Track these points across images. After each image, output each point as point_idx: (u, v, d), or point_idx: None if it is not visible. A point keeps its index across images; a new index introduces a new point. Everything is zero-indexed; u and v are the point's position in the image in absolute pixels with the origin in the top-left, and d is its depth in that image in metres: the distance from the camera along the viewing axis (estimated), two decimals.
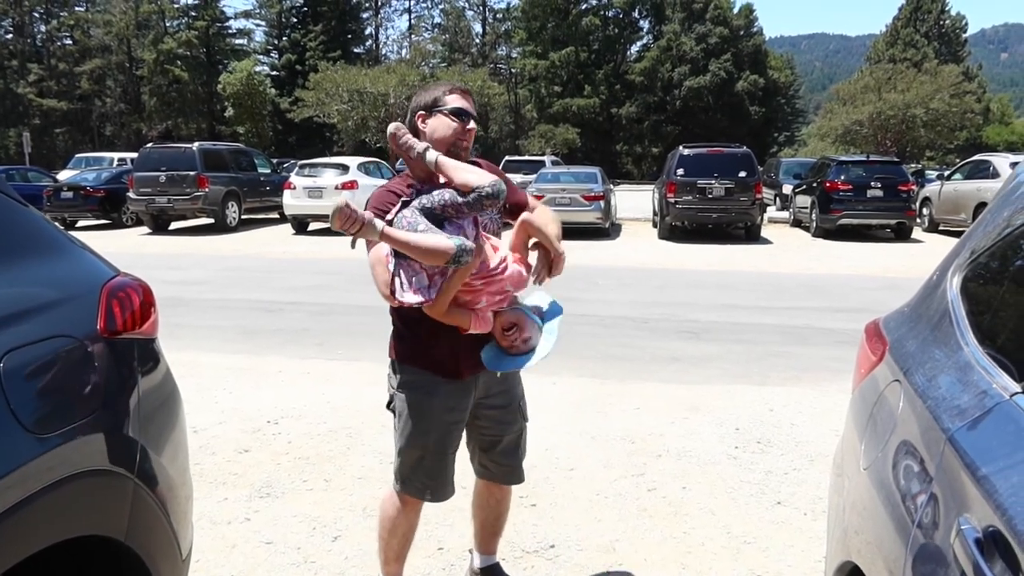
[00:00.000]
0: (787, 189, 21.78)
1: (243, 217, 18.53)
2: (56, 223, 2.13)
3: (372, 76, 34.12)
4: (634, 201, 23.43)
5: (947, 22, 59.93)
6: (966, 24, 61.28)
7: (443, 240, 2.09)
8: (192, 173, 16.92)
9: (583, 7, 56.29)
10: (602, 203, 16.26)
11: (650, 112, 55.06)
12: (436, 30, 61.68)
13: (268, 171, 20.42)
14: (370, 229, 2.10)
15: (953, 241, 1.99)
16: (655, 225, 17.77)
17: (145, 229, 17.96)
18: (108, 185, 18.78)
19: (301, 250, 14.54)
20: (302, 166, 18.27)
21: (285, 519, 3.46)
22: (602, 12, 56.94)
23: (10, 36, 55.74)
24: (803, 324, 7.92)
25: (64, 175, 23.43)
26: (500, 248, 2.33)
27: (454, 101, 2.39)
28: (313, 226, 18.00)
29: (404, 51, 55.48)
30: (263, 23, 60.82)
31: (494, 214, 2.46)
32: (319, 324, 7.83)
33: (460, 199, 2.17)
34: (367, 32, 62.16)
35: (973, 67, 60.16)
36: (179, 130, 53.24)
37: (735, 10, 57.04)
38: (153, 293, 2.16)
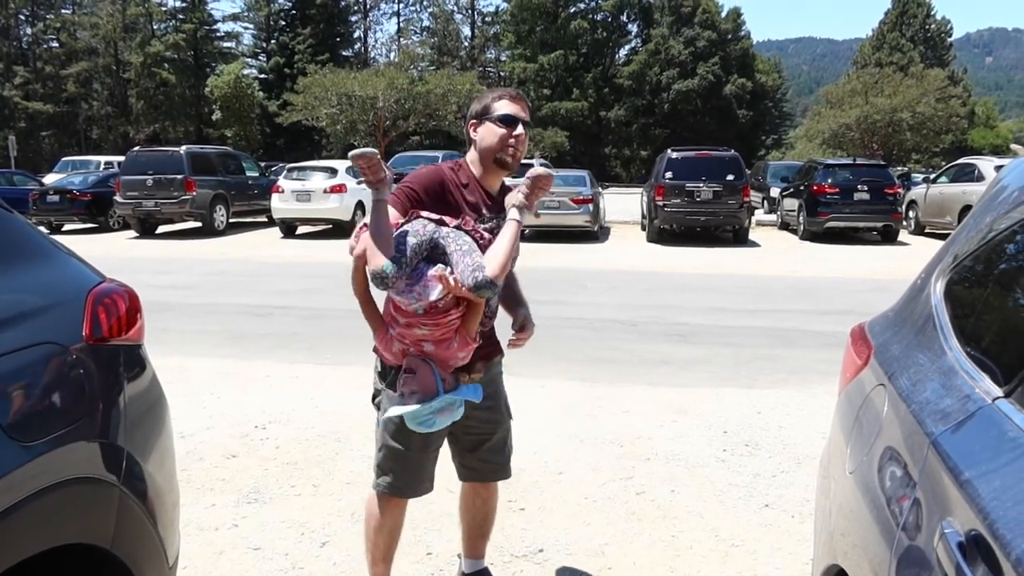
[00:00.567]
0: (775, 192, 21.89)
1: (231, 221, 18.45)
2: (42, 227, 2.13)
3: (361, 79, 34.04)
4: (623, 204, 23.48)
5: (932, 26, 60.41)
6: (951, 28, 61.78)
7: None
8: (180, 176, 16.85)
9: (571, 10, 56.46)
10: (591, 206, 16.28)
11: (638, 115, 55.26)
12: (425, 33, 61.73)
13: (256, 174, 20.34)
14: (383, 190, 2.18)
15: (939, 244, 2.00)
16: (644, 228, 17.82)
17: (132, 233, 17.85)
18: (95, 189, 18.65)
19: (289, 254, 14.49)
20: (290, 169, 18.24)
21: (273, 525, 3.44)
22: (590, 16, 57.14)
23: None
24: (791, 327, 7.95)
25: (50, 179, 23.27)
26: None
27: (502, 108, 2.40)
28: (302, 230, 17.96)
29: (393, 54, 55.48)
30: (251, 26, 60.68)
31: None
32: (308, 328, 7.80)
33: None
34: (356, 35, 62.12)
35: (958, 71, 60.68)
36: (166, 133, 52.99)
37: (723, 14, 57.39)
38: (139, 299, 2.15)
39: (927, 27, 59.95)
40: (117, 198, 17.29)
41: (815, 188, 16.46)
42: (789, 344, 7.21)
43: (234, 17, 60.27)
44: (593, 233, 16.89)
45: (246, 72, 52.90)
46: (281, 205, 17.10)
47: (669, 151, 16.86)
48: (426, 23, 62.14)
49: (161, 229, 18.36)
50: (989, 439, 1.26)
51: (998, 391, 1.33)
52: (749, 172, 19.85)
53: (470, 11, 61.60)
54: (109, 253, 13.77)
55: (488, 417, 2.60)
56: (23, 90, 53.17)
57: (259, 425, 4.76)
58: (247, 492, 3.79)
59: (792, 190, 18.61)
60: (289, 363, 6.35)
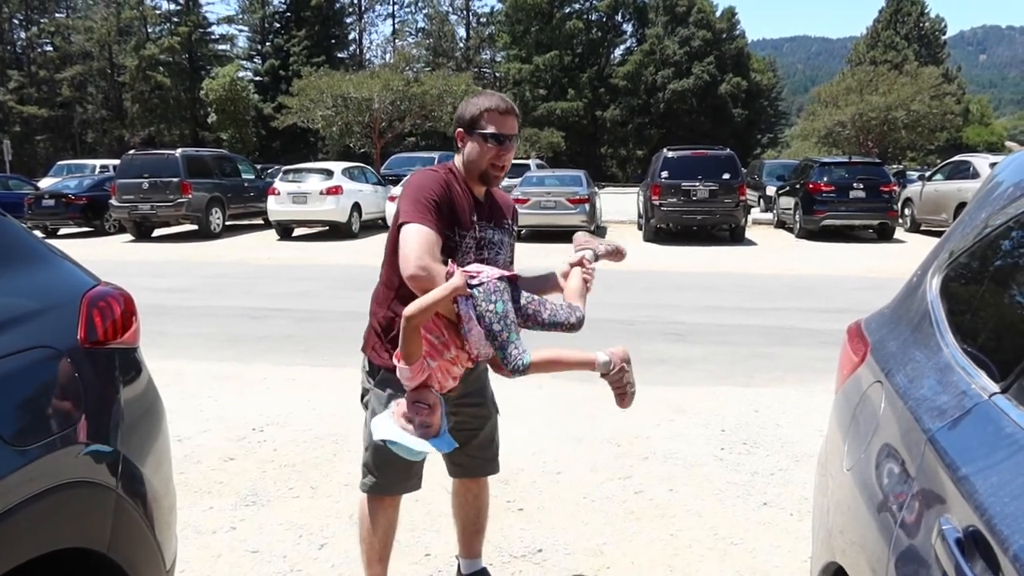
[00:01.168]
0: (771, 191, 21.91)
1: (227, 223, 18.44)
2: (37, 232, 2.12)
3: (356, 81, 33.98)
4: (619, 204, 23.49)
5: (926, 24, 60.51)
6: (945, 26, 61.89)
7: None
8: (175, 179, 16.83)
9: (566, 11, 56.47)
10: (587, 206, 16.29)
11: (634, 115, 55.29)
12: (420, 35, 61.73)
13: (252, 177, 20.32)
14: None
15: (935, 241, 2.01)
16: (640, 228, 17.83)
17: (128, 236, 17.83)
18: (90, 192, 18.62)
19: (286, 256, 14.47)
20: (286, 171, 18.21)
21: (271, 527, 3.44)
22: (585, 16, 57.15)
23: None
24: (787, 325, 7.96)
25: (45, 183, 23.24)
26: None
27: (491, 124, 2.35)
28: (298, 232, 17.94)
29: (388, 56, 55.47)
30: (246, 28, 60.65)
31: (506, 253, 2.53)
32: (304, 331, 7.79)
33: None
34: (351, 37, 62.09)
35: (952, 69, 60.72)
36: (162, 136, 52.85)
37: (718, 13, 57.44)
38: (134, 302, 2.14)
39: (921, 25, 60.04)
40: (113, 202, 17.27)
41: (811, 186, 16.48)
42: (786, 342, 7.22)
43: (229, 20, 60.25)
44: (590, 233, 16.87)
45: (241, 75, 52.85)
46: (277, 207, 17.08)
47: (665, 150, 16.87)
48: (421, 24, 62.22)
49: (157, 232, 18.33)
50: (986, 435, 1.26)
51: (994, 387, 1.33)
52: (745, 171, 19.86)
53: (465, 12, 61.62)
54: (105, 257, 13.74)
55: (476, 413, 2.63)
56: (17, 94, 53.06)
57: (256, 428, 4.75)
58: (245, 495, 3.78)
59: (788, 188, 18.63)
60: (286, 365, 6.34)
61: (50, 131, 54.60)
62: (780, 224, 19.10)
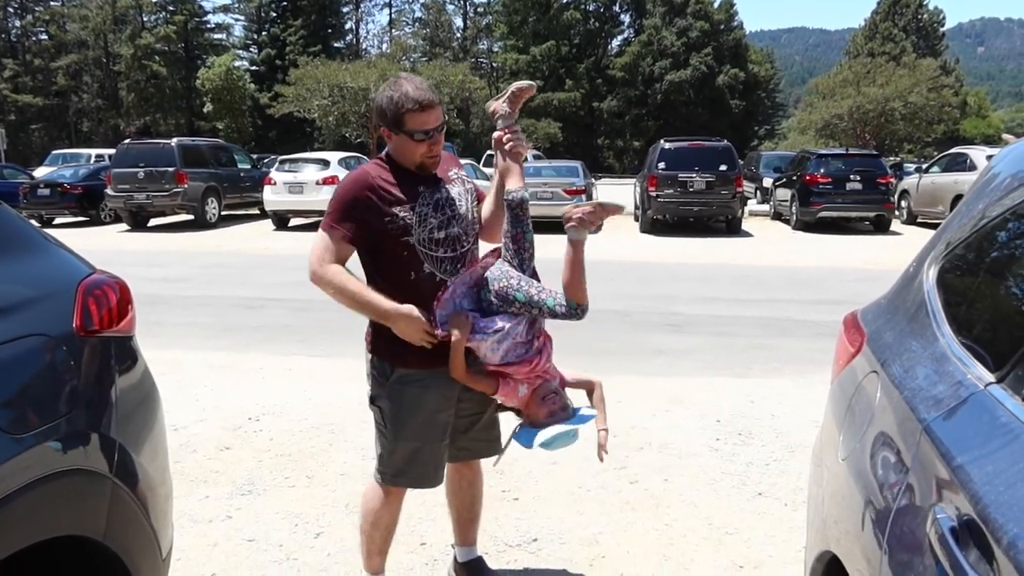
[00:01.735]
0: (767, 182, 21.88)
1: (223, 213, 18.41)
2: (32, 220, 2.11)
3: (353, 71, 33.86)
4: (616, 195, 23.40)
5: (924, 16, 60.39)
6: (943, 18, 61.80)
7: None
8: (171, 169, 16.77)
9: (564, 1, 56.27)
10: (584, 197, 16.23)
11: (631, 106, 55.18)
12: (417, 24, 61.48)
13: (248, 167, 20.26)
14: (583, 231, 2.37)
15: (931, 233, 2.01)
16: (637, 219, 17.81)
17: (124, 226, 17.77)
18: (86, 182, 18.56)
19: (282, 246, 14.44)
20: (282, 161, 18.15)
21: (267, 516, 3.44)
22: (583, 6, 56.95)
23: None
24: (784, 316, 7.97)
25: (41, 172, 23.15)
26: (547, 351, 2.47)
27: (413, 122, 2.34)
28: (294, 222, 17.89)
29: (385, 46, 55.33)
30: (242, 18, 60.37)
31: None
32: (300, 320, 7.78)
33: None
34: (347, 27, 61.85)
35: (950, 61, 60.67)
36: (157, 126, 52.66)
37: (716, 4, 57.22)
38: (130, 290, 2.14)
39: (919, 17, 59.92)
40: (108, 191, 17.20)
41: (808, 178, 16.47)
42: (782, 333, 7.23)
43: (224, 9, 59.98)
44: None
45: (237, 64, 52.65)
46: (273, 197, 17.04)
47: (662, 141, 16.85)
48: (418, 14, 61.98)
49: (153, 222, 18.28)
50: (981, 425, 1.26)
51: (990, 377, 1.33)
52: (742, 162, 19.86)
53: (462, 2, 61.38)
54: (101, 247, 13.70)
55: (480, 397, 2.63)
56: (12, 83, 52.80)
57: (252, 417, 4.75)
58: (241, 484, 3.78)
59: (785, 180, 18.61)
60: (282, 355, 6.33)
61: (45, 120, 54.36)
62: (777, 216, 19.09)
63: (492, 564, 2.95)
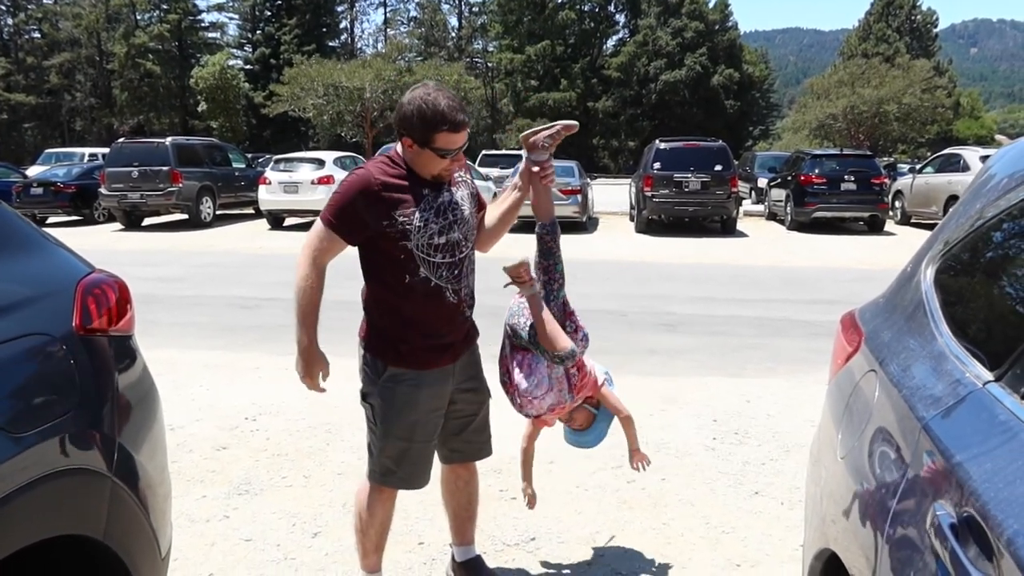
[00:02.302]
0: (762, 183, 21.94)
1: (218, 212, 18.34)
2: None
3: (348, 70, 33.86)
4: (611, 195, 23.48)
5: (918, 17, 60.57)
6: (937, 19, 61.96)
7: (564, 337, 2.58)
8: (165, 168, 16.72)
9: (559, 1, 56.25)
10: (579, 197, 16.28)
11: (626, 106, 55.22)
12: (412, 24, 61.42)
13: (243, 166, 20.23)
14: (531, 288, 2.57)
15: (925, 234, 2.02)
16: (632, 219, 17.84)
17: (118, 225, 17.71)
18: (79, 181, 18.47)
19: (277, 245, 14.41)
20: (277, 161, 18.12)
21: (264, 516, 3.44)
22: (578, 6, 56.93)
23: None
24: (779, 316, 7.99)
25: (34, 171, 23.02)
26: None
27: (446, 143, 2.31)
28: (289, 221, 17.86)
29: (380, 45, 55.24)
30: (236, 16, 60.18)
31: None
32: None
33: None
34: (342, 26, 61.74)
35: (944, 62, 60.86)
36: (151, 125, 52.49)
37: (710, 4, 57.30)
38: (129, 289, 2.13)
39: (913, 18, 60.10)
40: (102, 190, 17.14)
41: (802, 178, 16.51)
42: (777, 333, 7.25)
43: (219, 7, 59.74)
44: (582, 224, 16.89)
45: (231, 63, 52.44)
46: (268, 197, 17.00)
47: (657, 142, 16.87)
48: (413, 13, 61.99)
49: (147, 221, 18.23)
50: (980, 422, 1.27)
51: (988, 375, 1.34)
52: (737, 163, 19.89)
53: (457, 1, 61.35)
54: (95, 246, 13.65)
55: (473, 399, 2.66)
56: (5, 81, 52.54)
57: (249, 417, 4.74)
58: (238, 483, 3.78)
59: (779, 180, 18.66)
60: (278, 355, 6.31)
61: (38, 119, 54.13)
62: (771, 216, 19.14)
63: (490, 563, 2.95)
